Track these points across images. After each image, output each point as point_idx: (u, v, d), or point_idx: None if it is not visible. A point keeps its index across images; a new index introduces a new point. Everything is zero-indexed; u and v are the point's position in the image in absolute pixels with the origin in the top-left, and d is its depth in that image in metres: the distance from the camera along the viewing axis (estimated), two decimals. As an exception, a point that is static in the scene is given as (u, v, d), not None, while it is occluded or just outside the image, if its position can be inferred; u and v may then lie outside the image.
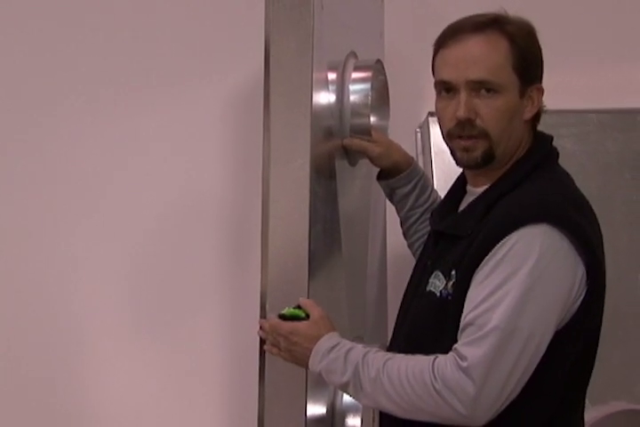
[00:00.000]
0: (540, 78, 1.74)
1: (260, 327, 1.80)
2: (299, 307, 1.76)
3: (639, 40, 2.71)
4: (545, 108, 1.76)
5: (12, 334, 2.63)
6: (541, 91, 1.74)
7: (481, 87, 1.67)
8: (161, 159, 2.61)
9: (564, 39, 2.53)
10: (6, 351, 2.63)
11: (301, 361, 1.72)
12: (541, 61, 1.74)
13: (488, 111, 1.68)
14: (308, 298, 1.80)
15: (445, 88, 1.71)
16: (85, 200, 2.62)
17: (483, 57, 1.67)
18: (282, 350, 1.75)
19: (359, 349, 1.66)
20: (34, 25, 2.63)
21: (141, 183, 2.61)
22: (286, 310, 1.76)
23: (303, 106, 1.83)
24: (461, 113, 1.68)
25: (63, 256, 2.62)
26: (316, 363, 1.68)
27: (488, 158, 1.71)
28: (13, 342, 2.63)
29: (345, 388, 1.66)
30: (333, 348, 1.67)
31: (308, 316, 1.73)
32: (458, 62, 1.69)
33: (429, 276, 1.72)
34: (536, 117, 1.75)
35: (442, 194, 1.97)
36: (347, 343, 1.68)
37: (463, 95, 1.68)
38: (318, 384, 1.87)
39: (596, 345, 1.74)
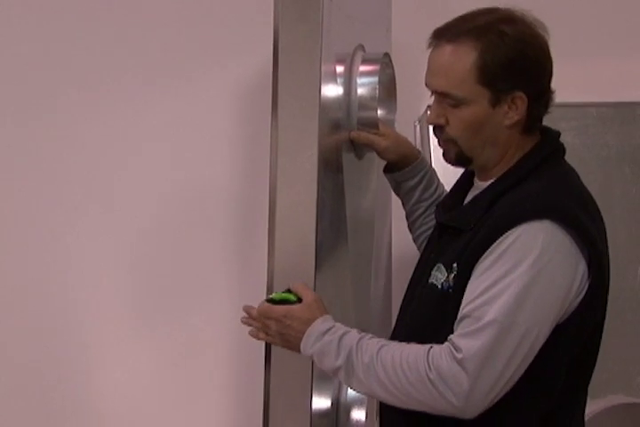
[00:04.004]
0: (526, 84, 1.67)
1: (248, 314, 1.78)
2: (288, 291, 1.74)
3: (638, 33, 2.71)
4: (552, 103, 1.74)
5: (11, 329, 2.63)
6: (523, 100, 1.67)
7: (445, 97, 1.69)
8: (168, 151, 2.61)
9: (564, 32, 2.45)
10: (4, 346, 2.64)
11: (293, 344, 1.70)
12: (534, 66, 1.67)
13: (454, 121, 1.69)
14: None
15: None
16: (92, 193, 2.62)
17: (445, 69, 1.67)
18: (271, 334, 1.73)
19: (354, 333, 1.66)
20: (34, 18, 2.61)
21: (149, 175, 2.61)
22: (275, 295, 1.74)
23: (311, 98, 1.82)
24: (429, 119, 1.72)
25: (66, 249, 2.61)
26: (308, 346, 1.67)
27: (463, 161, 1.74)
28: (13, 336, 2.63)
29: (337, 372, 1.65)
30: (328, 331, 1.66)
31: (299, 299, 1.72)
32: (429, 70, 1.71)
33: (432, 268, 1.73)
34: (531, 120, 1.71)
35: (442, 187, 1.98)
36: (341, 327, 1.68)
37: (433, 102, 1.71)
38: (323, 377, 1.86)
39: (598, 343, 1.75)
